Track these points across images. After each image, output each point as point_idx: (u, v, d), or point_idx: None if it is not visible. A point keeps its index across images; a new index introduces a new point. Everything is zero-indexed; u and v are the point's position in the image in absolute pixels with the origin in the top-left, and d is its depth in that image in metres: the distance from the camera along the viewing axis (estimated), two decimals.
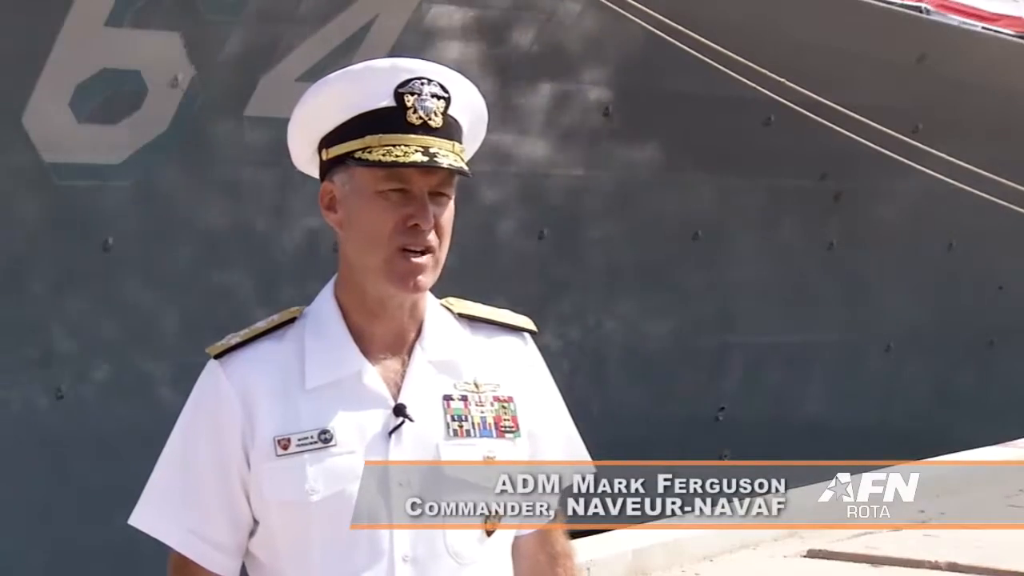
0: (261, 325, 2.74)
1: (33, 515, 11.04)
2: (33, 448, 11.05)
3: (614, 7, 12.03)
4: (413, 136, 2.63)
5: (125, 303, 11.35)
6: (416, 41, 11.73)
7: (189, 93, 11.09)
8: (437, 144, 2.64)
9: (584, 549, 7.88)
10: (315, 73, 10.81)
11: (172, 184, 11.29)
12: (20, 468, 10.96)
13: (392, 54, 11.31)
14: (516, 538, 2.79)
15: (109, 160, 11.03)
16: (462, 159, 2.68)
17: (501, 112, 12.25)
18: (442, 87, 2.67)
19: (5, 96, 10.50)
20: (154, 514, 2.72)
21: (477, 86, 2.79)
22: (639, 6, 11.98)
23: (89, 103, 10.78)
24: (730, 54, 12.28)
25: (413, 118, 2.64)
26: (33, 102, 10.60)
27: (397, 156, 2.62)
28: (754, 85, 12.55)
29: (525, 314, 2.89)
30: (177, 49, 10.92)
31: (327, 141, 2.70)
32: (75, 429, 11.16)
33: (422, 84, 2.66)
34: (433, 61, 2.74)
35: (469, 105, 2.73)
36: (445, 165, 2.63)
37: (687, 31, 12.09)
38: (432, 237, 2.65)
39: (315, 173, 2.76)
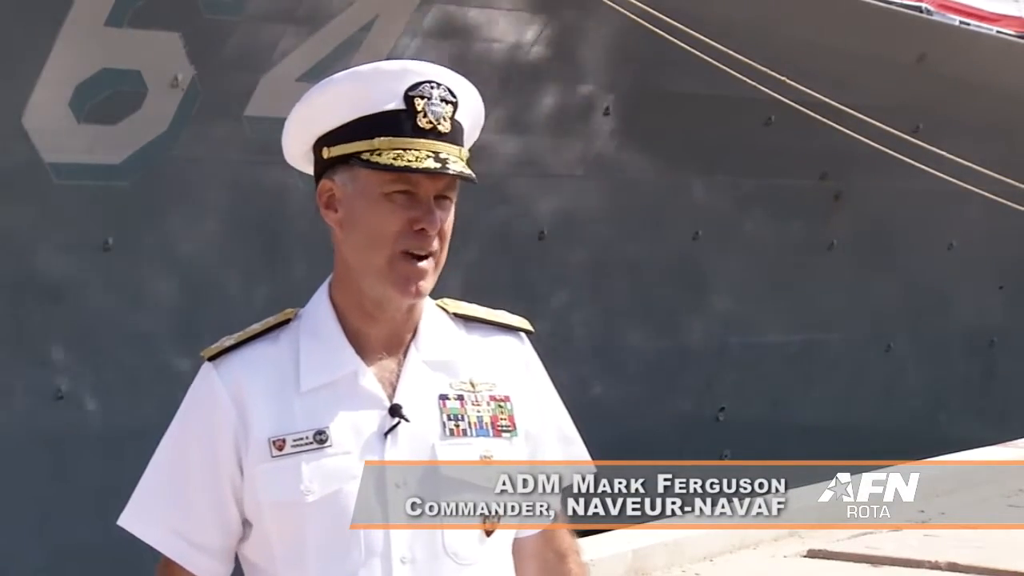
0: (255, 327, 2.73)
1: (33, 515, 11.03)
2: (33, 448, 11.05)
3: (615, 6, 12.02)
4: (423, 141, 2.62)
5: (125, 303, 11.35)
6: (416, 41, 11.73)
7: (189, 93, 11.09)
8: (446, 150, 2.63)
9: (584, 549, 7.88)
10: (315, 73, 10.82)
11: (172, 184, 11.29)
12: (20, 468, 10.96)
13: (392, 55, 11.32)
14: (521, 539, 2.77)
15: (109, 160, 11.03)
16: (468, 164, 2.67)
17: (501, 112, 12.25)
18: (450, 92, 2.67)
19: (5, 96, 10.50)
20: (141, 515, 2.71)
21: (477, 87, 2.79)
22: (640, 5, 11.98)
23: (89, 103, 10.78)
24: (731, 53, 12.28)
25: (423, 122, 2.63)
26: (33, 102, 10.59)
27: (409, 161, 2.61)
28: (755, 84, 12.55)
29: (525, 313, 2.89)
30: (177, 49, 10.93)
31: (328, 140, 2.68)
32: (75, 429, 11.16)
33: (432, 88, 2.65)
34: (432, 62, 2.73)
35: (472, 110, 2.72)
36: (455, 172, 2.62)
37: (688, 30, 12.09)
38: (435, 242, 2.65)
39: (308, 170, 2.75)
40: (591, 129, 13.22)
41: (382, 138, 2.63)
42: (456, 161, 2.64)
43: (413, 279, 2.64)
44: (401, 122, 2.63)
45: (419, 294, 2.65)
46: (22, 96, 10.57)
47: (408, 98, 2.64)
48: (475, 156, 2.79)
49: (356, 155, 2.64)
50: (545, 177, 13.18)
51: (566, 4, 12.47)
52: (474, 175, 2.66)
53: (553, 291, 13.47)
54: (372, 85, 2.66)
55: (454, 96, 2.67)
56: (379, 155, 2.62)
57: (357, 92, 2.66)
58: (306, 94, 2.71)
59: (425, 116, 2.64)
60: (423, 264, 2.64)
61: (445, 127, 2.65)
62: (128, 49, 10.73)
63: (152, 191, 11.21)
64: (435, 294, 2.77)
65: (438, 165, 2.61)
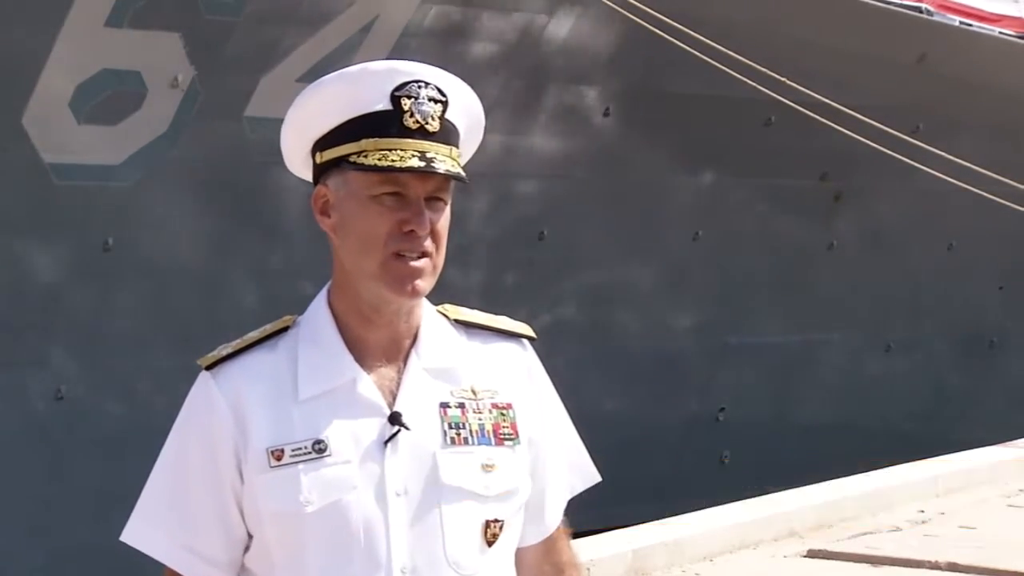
0: (253, 335, 2.69)
1: (32, 515, 11.04)
2: (32, 448, 11.05)
3: (614, 7, 12.03)
4: (410, 140, 2.59)
5: (125, 303, 11.35)
6: (416, 42, 11.73)
7: (189, 94, 11.09)
8: (434, 149, 2.60)
9: (584, 549, 7.87)
10: (315, 74, 10.82)
11: (172, 185, 11.30)
12: (19, 468, 10.97)
13: (392, 55, 11.32)
14: (520, 548, 2.74)
15: (109, 160, 11.04)
16: (459, 164, 2.64)
17: (501, 112, 12.25)
18: (439, 91, 2.63)
19: (5, 96, 10.51)
20: (146, 530, 2.68)
21: (477, 87, 2.77)
22: (640, 6, 11.98)
23: (89, 103, 10.78)
24: (731, 54, 12.29)
25: (410, 122, 2.60)
26: (33, 102, 10.60)
27: (393, 161, 2.57)
28: (755, 85, 12.55)
29: (524, 314, 2.87)
30: (177, 49, 10.93)
31: (321, 144, 2.65)
32: (75, 429, 11.17)
33: (419, 87, 2.62)
34: (433, 62, 2.72)
35: (466, 109, 2.68)
36: (442, 171, 2.58)
37: (688, 31, 12.10)
38: (428, 243, 2.60)
39: (308, 177, 2.73)
40: (591, 129, 13.23)
41: (368, 139, 2.60)
42: (445, 160, 2.60)
43: (408, 278, 2.60)
44: (388, 123, 2.60)
45: (416, 293, 2.62)
46: (22, 96, 10.58)
47: (395, 98, 2.61)
48: (474, 156, 2.78)
49: (345, 158, 2.61)
50: (545, 177, 13.19)
51: (566, 4, 12.48)
52: (464, 175, 2.62)
53: (553, 291, 13.47)
54: (360, 86, 2.63)
55: (444, 95, 2.63)
56: (365, 156, 2.59)
57: (345, 94, 2.63)
58: (297, 98, 2.69)
59: (412, 116, 2.60)
60: (417, 263, 2.60)
61: (433, 126, 2.61)
62: (128, 49, 10.73)
63: (152, 191, 11.22)
64: (436, 299, 2.75)
65: (423, 164, 2.57)
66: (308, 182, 2.73)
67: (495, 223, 12.97)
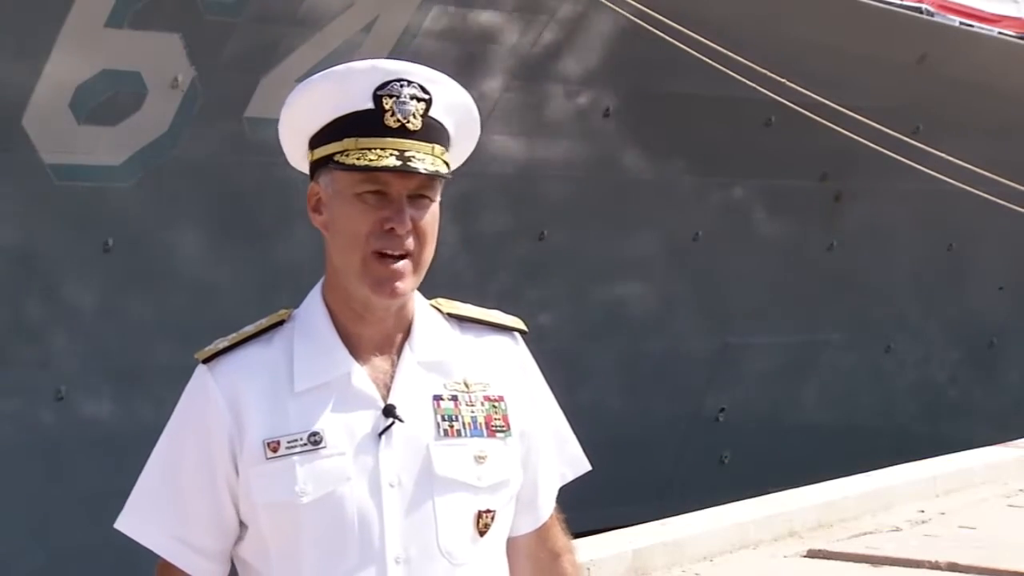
0: (249, 329, 2.72)
1: (32, 516, 11.04)
2: (32, 449, 11.06)
3: (614, 7, 12.03)
4: (389, 139, 2.61)
5: (125, 303, 11.36)
6: (416, 42, 11.73)
7: (189, 94, 11.10)
8: (414, 147, 2.62)
9: (584, 549, 7.88)
10: (315, 74, 10.81)
11: (172, 185, 11.30)
12: (19, 469, 10.97)
13: (392, 55, 11.32)
14: (515, 537, 2.77)
15: (109, 161, 11.04)
16: (443, 161, 2.65)
17: (502, 112, 12.25)
18: (422, 88, 2.65)
19: (5, 96, 10.51)
20: (140, 519, 2.71)
21: (478, 87, 2.78)
22: (640, 6, 11.99)
23: (89, 104, 10.79)
24: (730, 54, 12.29)
25: (390, 121, 2.62)
26: (33, 102, 10.61)
27: (371, 160, 2.60)
28: (754, 85, 12.56)
29: (525, 314, 2.88)
30: (177, 50, 10.94)
31: (313, 142, 2.69)
32: (75, 430, 11.17)
33: (401, 86, 2.64)
34: (433, 63, 2.72)
35: (454, 106, 2.70)
36: (420, 169, 2.60)
37: (688, 31, 12.10)
38: (410, 241, 2.63)
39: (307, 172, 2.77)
40: (591, 129, 13.23)
41: (350, 139, 2.63)
42: (424, 158, 2.62)
43: (388, 280, 2.62)
44: (369, 121, 2.62)
45: (396, 294, 2.64)
46: (22, 96, 10.58)
47: (376, 97, 2.64)
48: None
49: (330, 157, 2.65)
50: (545, 177, 13.19)
51: (566, 4, 12.48)
52: (443, 172, 2.64)
53: (553, 292, 13.47)
54: (344, 85, 2.66)
55: (427, 92, 2.65)
56: (346, 156, 2.62)
57: (332, 93, 2.66)
58: (288, 96, 2.72)
59: (393, 115, 2.62)
60: (398, 265, 2.63)
61: (415, 124, 2.63)
62: (128, 50, 10.74)
63: (152, 192, 11.22)
64: (429, 294, 2.77)
65: (400, 163, 2.60)
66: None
67: (495, 223, 12.97)
